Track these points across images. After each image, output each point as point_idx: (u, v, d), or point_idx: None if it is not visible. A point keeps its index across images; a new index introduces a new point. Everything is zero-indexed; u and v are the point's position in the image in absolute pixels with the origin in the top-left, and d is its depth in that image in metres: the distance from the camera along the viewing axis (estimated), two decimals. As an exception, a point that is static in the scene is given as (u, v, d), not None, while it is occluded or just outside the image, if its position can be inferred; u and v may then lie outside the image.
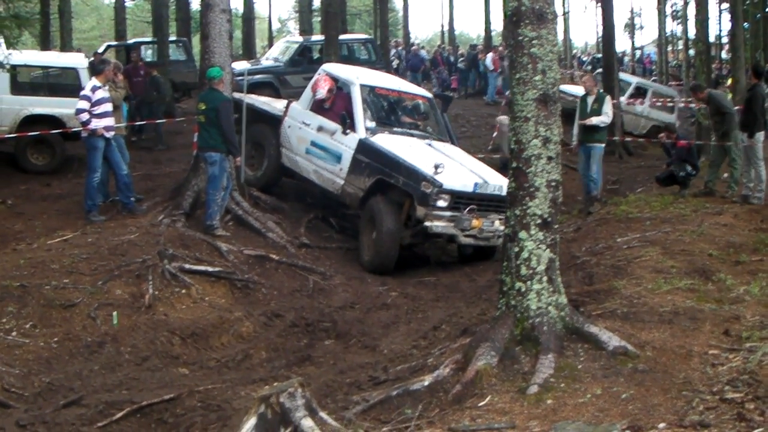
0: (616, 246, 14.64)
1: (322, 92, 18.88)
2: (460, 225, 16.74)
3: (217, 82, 16.69)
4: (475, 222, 16.85)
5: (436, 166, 16.54)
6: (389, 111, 19.67)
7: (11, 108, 21.68)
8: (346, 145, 17.95)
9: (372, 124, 18.34)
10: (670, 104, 35.53)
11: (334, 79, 19.25)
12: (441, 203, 16.63)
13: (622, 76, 38.16)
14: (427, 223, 16.64)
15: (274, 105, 20.83)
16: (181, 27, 42.60)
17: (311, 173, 18.87)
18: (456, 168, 17.52)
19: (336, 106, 18.64)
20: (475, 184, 16.96)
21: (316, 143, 18.67)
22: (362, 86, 18.82)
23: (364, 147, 17.69)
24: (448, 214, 16.74)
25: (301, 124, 19.15)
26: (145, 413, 9.70)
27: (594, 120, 19.48)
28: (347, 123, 17.90)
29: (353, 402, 8.94)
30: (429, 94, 21.61)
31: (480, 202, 17.00)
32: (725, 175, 19.88)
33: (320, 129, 18.66)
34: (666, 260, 12.96)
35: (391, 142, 17.82)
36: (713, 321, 9.89)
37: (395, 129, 18.92)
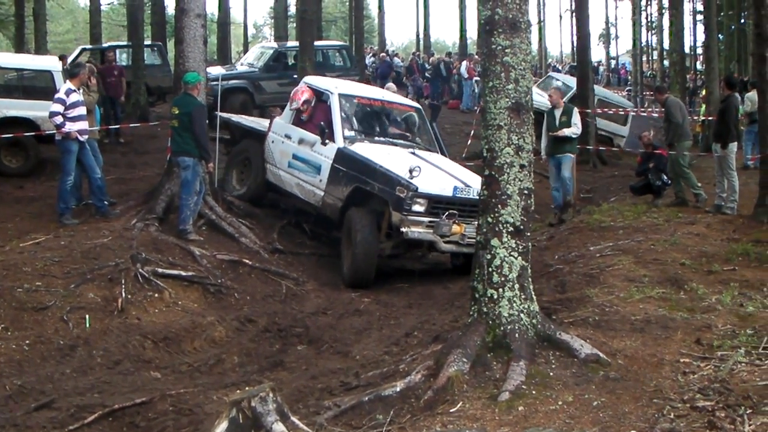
0: (589, 254, 14.71)
1: (298, 102, 18.65)
2: (439, 231, 16.15)
3: (192, 87, 16.66)
4: (455, 228, 16.21)
5: (411, 170, 16.08)
6: (372, 121, 19.29)
7: None
8: (325, 155, 17.66)
9: (351, 134, 18.03)
10: (632, 113, 35.30)
11: (315, 91, 18.93)
12: (417, 208, 16.11)
13: (564, 78, 37.96)
14: (404, 229, 16.07)
15: (260, 123, 20.91)
16: (157, 31, 42.42)
17: (294, 187, 18.63)
18: (435, 173, 17.05)
19: (316, 118, 18.31)
20: (455, 188, 16.42)
21: (298, 156, 18.45)
22: (341, 96, 18.48)
23: (341, 156, 17.38)
24: (426, 219, 16.20)
25: (283, 138, 18.90)
26: (116, 417, 9.67)
27: (566, 131, 19.46)
28: (326, 133, 17.54)
29: (325, 407, 8.93)
30: (417, 105, 21.06)
31: (462, 207, 16.34)
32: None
33: (301, 141, 18.37)
34: (638, 269, 13.05)
35: (369, 150, 17.47)
36: (685, 330, 9.97)
37: (377, 138, 18.50)
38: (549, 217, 20.10)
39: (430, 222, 16.27)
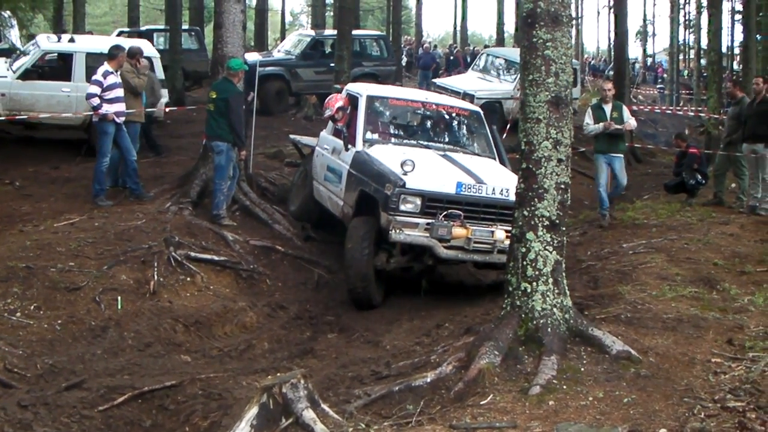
0: (622, 251, 14.70)
1: (331, 110, 17.03)
2: (435, 233, 13.69)
3: (233, 74, 16.66)
4: (458, 230, 13.77)
5: (403, 164, 13.84)
6: (407, 125, 17.23)
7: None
8: (345, 161, 15.82)
9: (373, 137, 16.08)
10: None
11: (350, 97, 17.25)
12: (407, 207, 13.80)
13: (504, 51, 36.85)
14: (391, 232, 13.75)
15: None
16: (194, 16, 42.66)
17: (327, 201, 16.81)
18: (438, 168, 14.84)
19: (351, 125, 16.62)
20: (459, 185, 14.04)
21: (329, 166, 16.67)
22: (370, 97, 16.69)
23: (356, 160, 15.48)
24: (422, 221, 13.85)
25: (324, 150, 17.27)
26: (146, 399, 9.71)
27: (632, 122, 18.68)
28: (347, 138, 15.98)
29: (355, 396, 8.96)
30: (473, 107, 18.75)
31: (471, 207, 14.00)
32: (733, 185, 19.90)
33: (333, 151, 16.65)
34: (671, 267, 13.03)
35: (383, 152, 15.40)
36: (717, 330, 9.95)
37: (406, 141, 16.28)
38: (582, 214, 19.83)
39: (428, 224, 13.89)
